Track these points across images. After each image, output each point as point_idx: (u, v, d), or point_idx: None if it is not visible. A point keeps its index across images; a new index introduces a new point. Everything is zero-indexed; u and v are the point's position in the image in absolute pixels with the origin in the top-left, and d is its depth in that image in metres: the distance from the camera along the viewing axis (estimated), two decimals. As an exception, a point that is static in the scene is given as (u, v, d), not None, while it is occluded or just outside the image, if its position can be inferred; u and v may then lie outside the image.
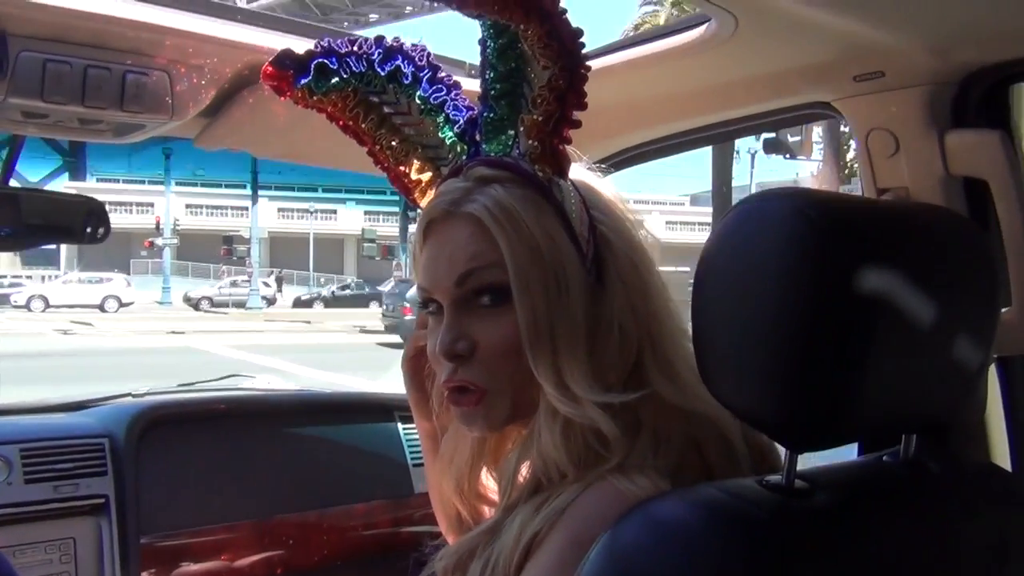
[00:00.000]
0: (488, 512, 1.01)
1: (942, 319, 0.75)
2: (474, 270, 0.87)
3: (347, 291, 31.78)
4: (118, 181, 37.25)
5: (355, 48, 0.95)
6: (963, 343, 0.79)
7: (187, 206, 38.05)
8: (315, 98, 0.96)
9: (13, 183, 1.35)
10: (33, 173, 30.04)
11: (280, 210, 39.94)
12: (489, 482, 1.04)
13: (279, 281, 33.06)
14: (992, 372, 1.20)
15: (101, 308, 26.32)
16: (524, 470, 0.90)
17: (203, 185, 39.02)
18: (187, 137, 1.42)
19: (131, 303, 27.49)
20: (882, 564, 0.74)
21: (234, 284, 30.84)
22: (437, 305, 0.91)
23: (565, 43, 0.85)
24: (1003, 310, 1.11)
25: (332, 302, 29.86)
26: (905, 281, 0.72)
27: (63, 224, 1.43)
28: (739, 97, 1.28)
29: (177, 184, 34.86)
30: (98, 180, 37.58)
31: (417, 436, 1.98)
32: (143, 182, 36.96)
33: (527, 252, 0.85)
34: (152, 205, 35.87)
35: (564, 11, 0.85)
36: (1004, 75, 1.10)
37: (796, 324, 0.69)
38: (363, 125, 0.99)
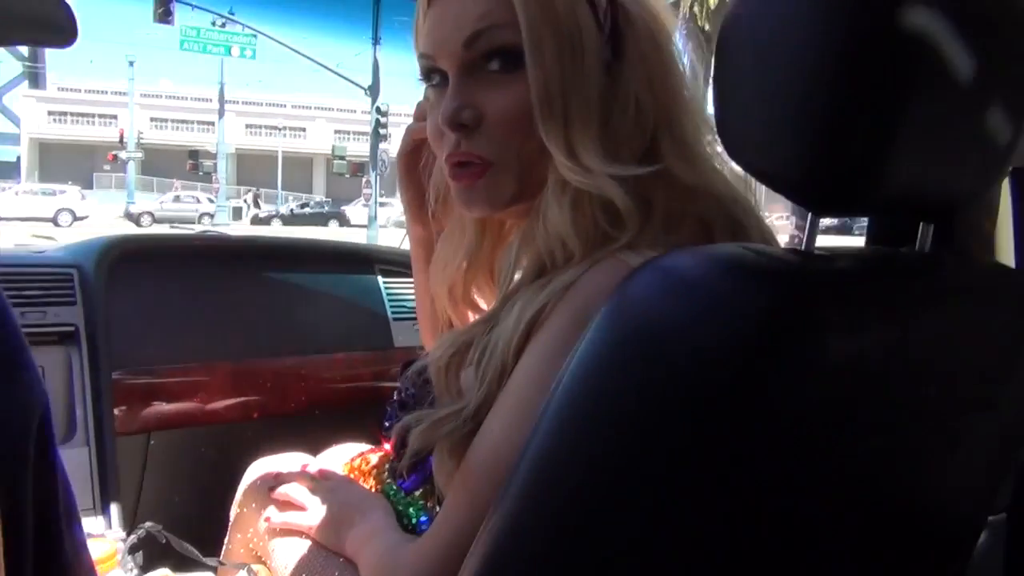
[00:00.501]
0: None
1: (978, 88, 0.69)
2: (484, 30, 0.80)
3: (306, 209, 31.36)
4: (80, 91, 36.26)
5: None
6: (997, 116, 0.73)
7: (152, 119, 37.23)
8: None
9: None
10: (-9, 79, 29.16)
11: (248, 126, 39.22)
12: (485, 295, 1.00)
13: (256, 199, 32.52)
14: (1004, 184, 1.16)
15: (54, 221, 25.49)
16: (525, 260, 0.85)
17: (168, 97, 38.09)
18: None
19: (86, 216, 26.72)
20: (905, 337, 0.71)
21: (177, 200, 30.03)
22: (441, 76, 0.85)
23: None
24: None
25: (290, 220, 29.36)
26: (948, 34, 0.66)
27: (23, 20, 1.32)
28: None
29: (142, 96, 34.02)
30: (59, 89, 36.55)
31: (398, 290, 1.96)
32: (105, 92, 36.02)
33: (541, 12, 0.79)
34: (116, 117, 35.08)
35: None
36: None
37: (827, 65, 0.63)
38: None
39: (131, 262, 1.64)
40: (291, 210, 31.15)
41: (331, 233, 24.89)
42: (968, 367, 0.79)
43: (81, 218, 26.50)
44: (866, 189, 0.68)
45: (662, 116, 0.83)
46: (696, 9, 18.14)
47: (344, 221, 29.55)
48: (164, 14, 10.37)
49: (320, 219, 29.58)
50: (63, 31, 1.22)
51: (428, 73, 0.87)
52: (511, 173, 0.84)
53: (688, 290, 0.64)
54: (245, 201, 31.61)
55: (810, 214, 0.70)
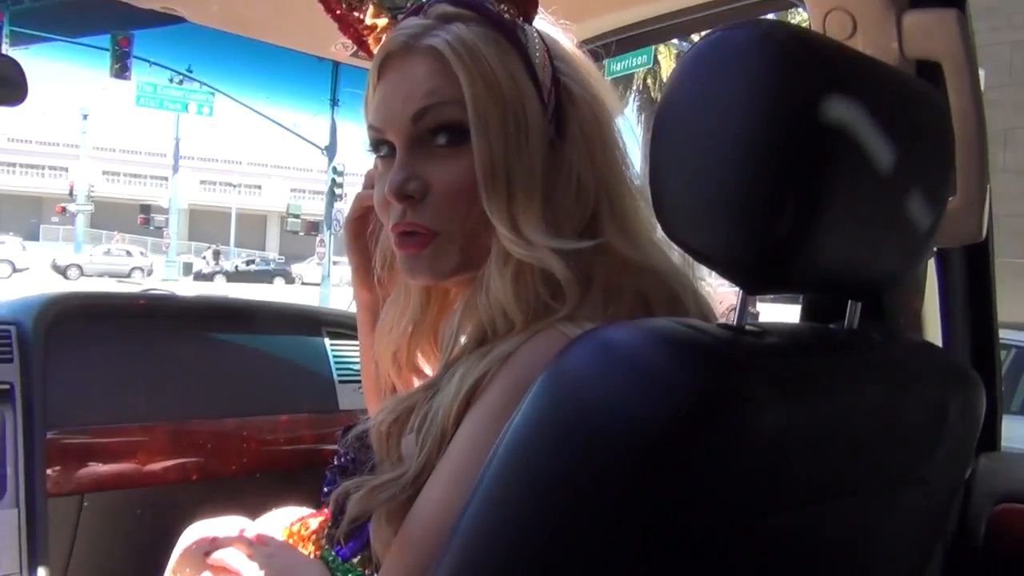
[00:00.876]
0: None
1: (899, 172, 0.74)
2: (431, 106, 0.83)
3: (251, 266, 31.04)
4: (31, 142, 35.79)
5: None
6: (916, 202, 0.78)
7: (104, 172, 36.84)
8: None
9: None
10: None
11: (203, 182, 39.00)
12: (429, 361, 1.00)
13: (216, 255, 32.05)
14: (931, 264, 1.21)
15: None
16: (467, 328, 0.86)
17: (122, 151, 37.77)
18: (116, -3, 1.33)
19: (26, 268, 26.14)
20: (832, 410, 0.73)
21: (107, 253, 29.38)
22: (389, 147, 0.87)
23: None
24: (947, 199, 1.12)
25: (234, 276, 29.02)
26: (869, 122, 0.70)
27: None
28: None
29: (95, 149, 33.69)
30: (9, 139, 36.04)
31: (344, 353, 1.95)
32: (57, 144, 35.61)
33: (488, 90, 0.82)
34: (66, 169, 34.64)
35: None
36: (963, -47, 1.10)
37: (757, 153, 0.66)
38: None
39: (72, 320, 1.61)
40: (235, 267, 30.78)
41: (276, 291, 24.66)
42: (896, 441, 0.81)
43: (21, 270, 25.91)
44: (794, 269, 0.71)
45: (603, 193, 0.86)
46: (649, 81, 18.63)
47: (290, 279, 29.30)
48: (121, 70, 10.35)
49: (265, 276, 29.29)
50: (14, 90, 1.23)
51: (376, 144, 0.89)
52: (455, 244, 0.85)
53: (623, 364, 0.65)
54: (204, 257, 31.17)
55: (741, 292, 0.73)
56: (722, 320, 0.76)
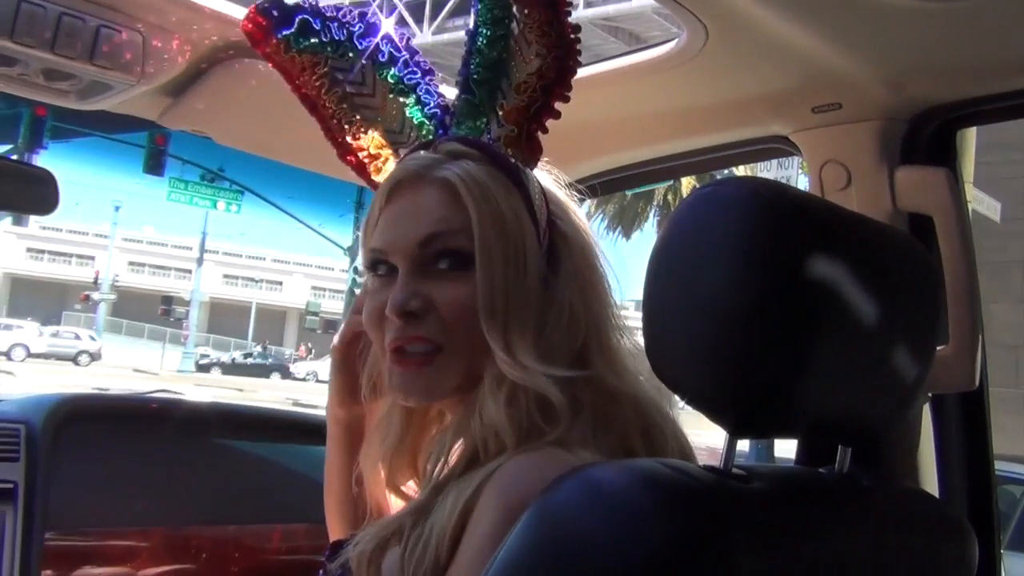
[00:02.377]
0: (395, 508, 0.98)
1: (885, 325, 0.77)
2: (441, 233, 0.87)
3: (249, 359, 30.97)
4: (61, 231, 36.60)
5: (339, 15, 0.97)
6: (902, 354, 0.81)
7: (130, 263, 37.45)
8: (288, 55, 0.97)
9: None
10: (-27, 213, 29.33)
11: (226, 276, 39.50)
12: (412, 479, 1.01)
13: (265, 351, 31.93)
14: (926, 411, 1.22)
15: (7, 356, 24.97)
16: (457, 450, 0.88)
17: (149, 243, 38.50)
18: (149, 118, 1.41)
19: (41, 353, 26.24)
20: (814, 559, 0.74)
21: (55, 335, 28.68)
22: (388, 267, 0.91)
23: (564, 34, 0.90)
24: (938, 348, 1.14)
25: (231, 369, 28.91)
26: (854, 278, 0.74)
27: (12, 194, 1.39)
28: (701, 124, 1.32)
29: (123, 240, 34.36)
30: (42, 228, 36.86)
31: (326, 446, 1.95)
32: (87, 234, 36.37)
33: (494, 223, 0.87)
34: (93, 258, 35.23)
35: (569, 3, 0.90)
36: (952, 116, 1.16)
37: (744, 304, 0.70)
38: (324, 96, 0.99)
39: (81, 421, 1.64)
40: (232, 359, 30.71)
41: (272, 385, 24.53)
42: (884, 592, 0.81)
43: (35, 355, 26.02)
44: (779, 415, 0.73)
45: (591, 326, 0.90)
46: (670, 197, 18.88)
47: (287, 374, 29.16)
48: (155, 166, 10.66)
49: (262, 371, 29.18)
50: (47, 204, 1.30)
51: (375, 264, 0.92)
52: (458, 363, 0.88)
53: (608, 504, 0.68)
54: (247, 354, 31.18)
55: (727, 435, 0.74)
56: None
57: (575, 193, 0.98)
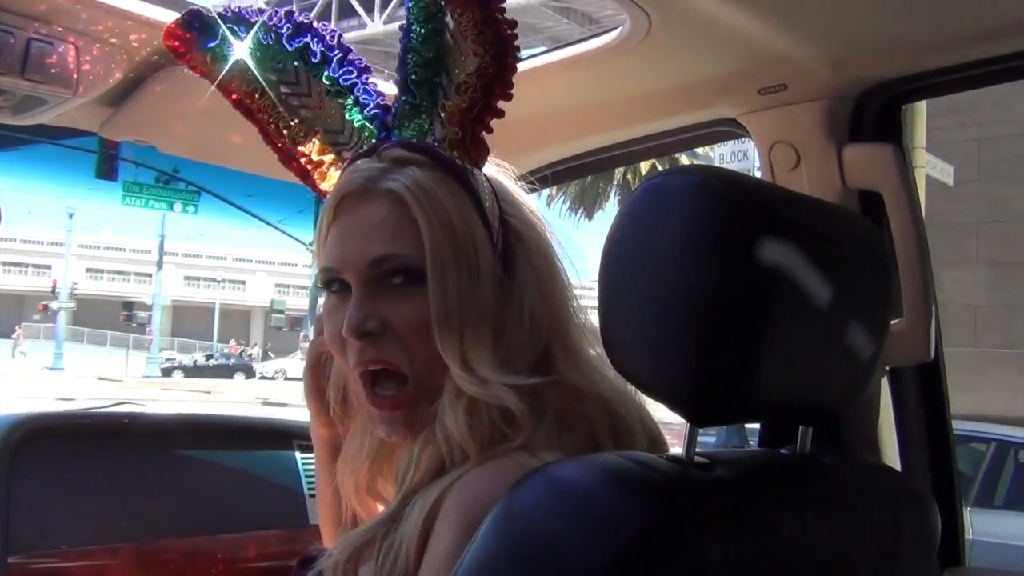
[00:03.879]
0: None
1: (838, 305, 0.77)
2: (390, 255, 0.85)
3: (211, 361, 30.74)
4: (15, 240, 35.90)
5: (265, 19, 0.95)
6: (857, 332, 0.81)
7: (88, 270, 36.87)
8: (215, 67, 0.95)
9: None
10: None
11: (187, 278, 39.04)
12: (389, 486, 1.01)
13: (208, 357, 31.49)
14: (884, 385, 1.24)
15: None
16: (424, 460, 0.87)
17: (107, 248, 37.91)
18: (90, 130, 1.38)
19: None
20: (780, 540, 0.75)
21: None
22: (341, 284, 0.89)
23: (500, 31, 0.87)
24: (893, 321, 1.15)
25: (193, 371, 28.71)
26: (805, 261, 0.74)
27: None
28: (648, 111, 1.31)
29: (80, 247, 33.80)
30: (-7, 238, 36.17)
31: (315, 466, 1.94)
32: (41, 243, 35.73)
33: (444, 233, 0.85)
34: (50, 267, 34.66)
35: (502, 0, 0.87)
36: (897, 92, 1.17)
37: (698, 294, 0.70)
38: (258, 102, 0.97)
39: (38, 441, 1.61)
40: (194, 361, 30.43)
41: (238, 385, 24.32)
42: (850, 568, 0.82)
43: None
44: (738, 401, 0.73)
45: (553, 325, 0.89)
46: (629, 176, 18.98)
47: (250, 373, 28.93)
48: (108, 171, 10.42)
49: (225, 371, 28.98)
50: (-13, 221, 1.26)
51: (328, 282, 0.90)
52: (427, 393, 0.86)
53: (570, 502, 0.68)
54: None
55: (688, 424, 0.75)
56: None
57: (527, 185, 0.97)
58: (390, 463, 1.00)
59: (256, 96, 0.97)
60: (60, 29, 1.12)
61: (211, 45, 0.93)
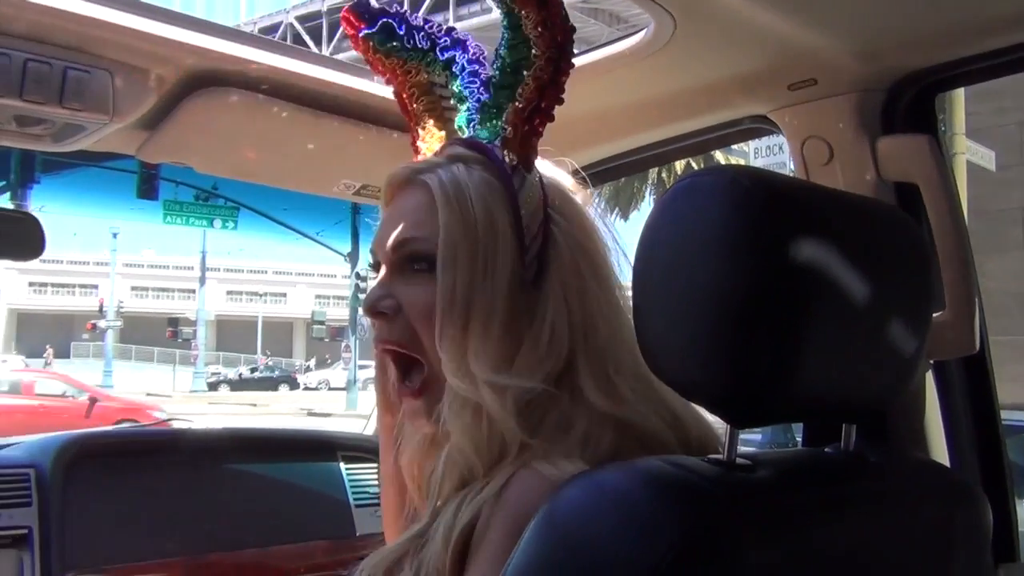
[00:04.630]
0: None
1: (877, 301, 0.76)
2: (412, 237, 0.88)
3: (255, 374, 31.08)
4: (62, 262, 36.65)
5: (425, 26, 0.99)
6: (898, 327, 0.80)
7: (133, 288, 37.51)
8: (377, 55, 0.99)
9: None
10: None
11: (229, 293, 39.55)
12: None
13: (253, 370, 31.84)
14: (929, 378, 1.22)
15: None
16: (449, 467, 0.87)
17: (150, 267, 38.55)
18: (128, 153, 1.40)
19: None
20: (825, 541, 0.74)
21: None
22: (380, 266, 0.93)
23: (556, 34, 0.88)
24: (936, 314, 1.13)
25: (239, 385, 29.01)
26: (840, 257, 0.73)
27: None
28: (678, 111, 1.31)
29: (124, 266, 34.40)
30: (41, 260, 36.89)
31: (360, 477, 1.96)
32: (87, 263, 36.44)
33: (462, 226, 0.86)
34: (96, 287, 35.31)
35: (560, 3, 0.88)
36: (930, 81, 1.15)
37: (733, 294, 0.69)
38: (414, 106, 1.01)
39: (90, 459, 1.64)
40: (239, 374, 30.78)
41: (282, 397, 24.46)
42: (901, 569, 0.81)
43: None
44: (779, 401, 0.73)
45: (578, 344, 0.87)
46: (664, 175, 18.86)
47: (294, 385, 29.19)
48: (148, 191, 10.64)
49: (269, 383, 29.30)
50: (31, 249, 1.30)
51: (375, 264, 0.94)
52: (440, 386, 0.87)
53: (612, 506, 0.68)
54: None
55: (729, 426, 0.74)
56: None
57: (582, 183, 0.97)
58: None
59: (413, 99, 1.01)
60: (94, 56, 1.14)
61: (369, 32, 0.97)
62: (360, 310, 1.06)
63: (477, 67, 0.99)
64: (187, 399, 25.69)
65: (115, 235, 30.19)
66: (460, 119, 0.99)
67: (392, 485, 1.06)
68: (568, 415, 0.84)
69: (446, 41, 0.99)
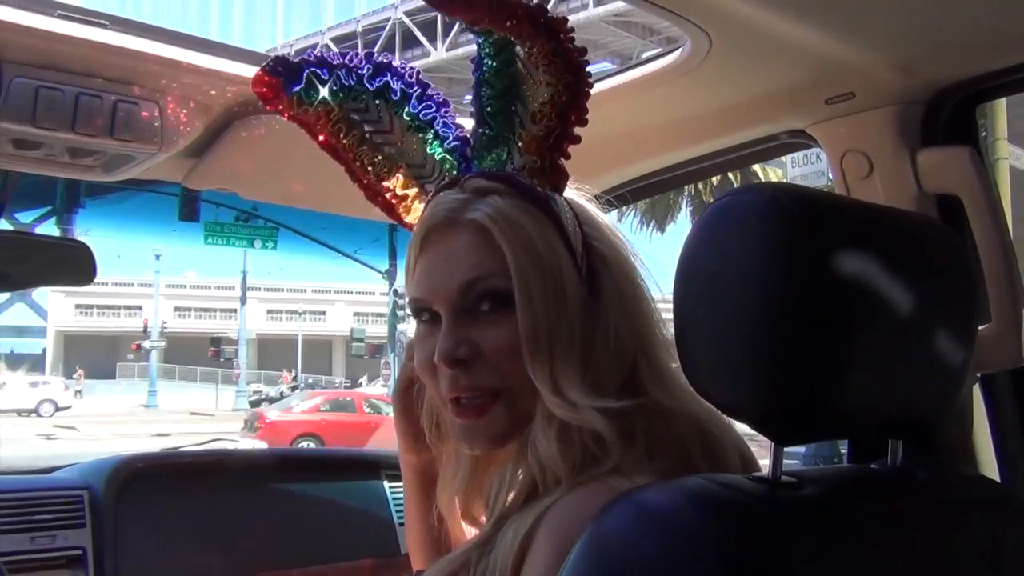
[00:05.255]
0: None
1: (921, 315, 0.76)
2: (479, 278, 0.87)
3: (296, 391, 31.34)
4: (107, 284, 37.33)
5: (346, 61, 0.97)
6: (942, 341, 0.80)
7: (176, 308, 38.06)
8: (301, 109, 0.97)
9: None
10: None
11: (269, 312, 39.98)
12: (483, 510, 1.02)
13: (293, 387, 32.23)
14: (977, 391, 1.20)
15: (36, 412, 25.08)
16: (516, 484, 0.89)
17: (192, 287, 39.12)
18: (175, 181, 1.44)
19: (68, 407, 26.21)
20: (873, 559, 0.73)
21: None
22: (431, 314, 0.91)
23: (571, 61, 0.88)
24: (981, 327, 1.12)
25: (279, 402, 29.38)
26: (882, 272, 0.73)
27: (49, 268, 1.43)
28: (715, 127, 1.31)
29: (167, 287, 34.95)
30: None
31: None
32: (132, 284, 37.07)
33: (529, 259, 0.86)
34: (140, 308, 35.87)
35: (571, 29, 0.88)
36: (970, 92, 1.14)
37: (775, 313, 0.70)
38: (344, 141, 1.00)
39: (141, 481, 1.67)
40: (280, 392, 31.04)
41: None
42: (951, 586, 0.80)
43: (63, 408, 26.07)
44: (824, 417, 0.73)
45: (639, 346, 0.89)
46: (700, 186, 18.76)
47: None
48: (190, 213, 10.83)
49: None
50: (84, 276, 1.33)
51: (419, 312, 0.92)
52: (513, 407, 0.88)
53: (657, 525, 0.68)
54: (281, 392, 31.72)
55: (773, 444, 0.74)
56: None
57: (605, 204, 0.98)
58: (483, 486, 1.01)
59: (341, 135, 0.99)
60: (143, 88, 1.18)
61: (296, 89, 0.95)
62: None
63: (422, 89, 0.99)
64: (231, 417, 25.95)
65: (158, 257, 30.70)
66: (434, 148, 0.99)
67: (417, 521, 1.08)
68: (637, 422, 0.85)
69: (369, 69, 0.98)
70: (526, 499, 0.86)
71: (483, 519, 1.00)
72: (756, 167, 13.37)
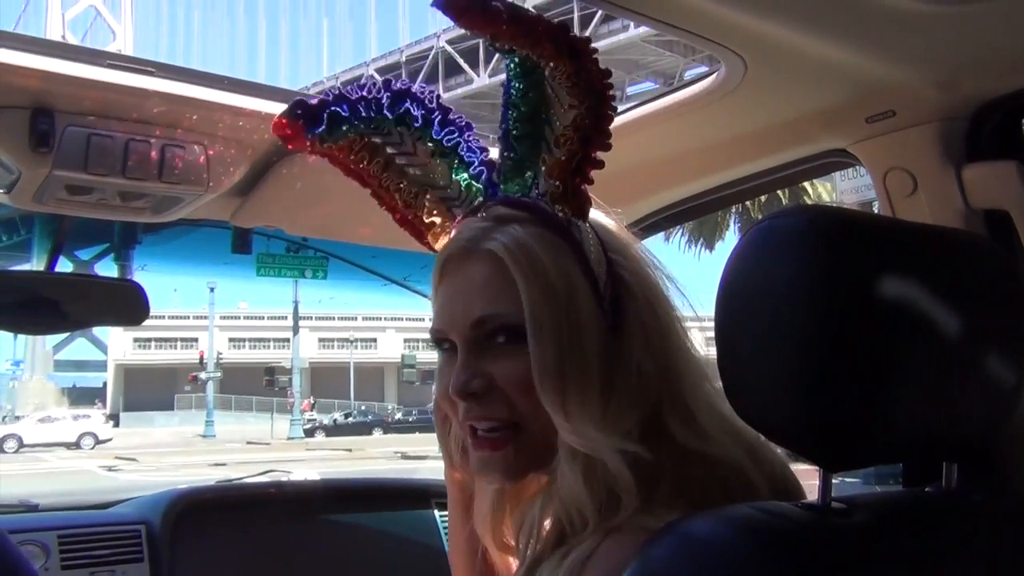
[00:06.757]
0: (514, 565, 0.98)
1: (970, 334, 0.74)
2: (491, 315, 0.86)
3: (349, 419, 31.61)
4: (164, 318, 38.10)
5: (365, 94, 0.96)
6: (995, 362, 0.78)
7: (230, 340, 38.66)
8: (324, 146, 0.97)
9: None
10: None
11: (321, 340, 40.39)
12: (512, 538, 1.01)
13: (347, 415, 32.59)
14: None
15: (77, 445, 25.42)
16: (546, 521, 0.87)
17: (246, 318, 39.74)
18: (223, 219, 1.47)
19: (109, 439, 26.48)
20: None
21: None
22: (450, 344, 0.90)
23: (594, 83, 0.86)
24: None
25: (334, 431, 29.54)
26: (929, 292, 0.72)
27: (105, 307, 1.47)
28: (755, 149, 1.30)
29: (221, 318, 35.54)
30: (145, 317, 38.32)
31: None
32: (188, 317, 37.80)
33: (542, 292, 0.85)
34: (196, 340, 36.52)
35: (594, 51, 0.87)
36: (1014, 106, 1.12)
37: (819, 337, 0.69)
38: (368, 167, 0.99)
39: (196, 515, 1.70)
40: (334, 420, 31.31)
41: (376, 441, 24.84)
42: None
43: (103, 441, 26.33)
44: (873, 442, 0.71)
45: (663, 382, 0.86)
46: (749, 203, 18.57)
47: (388, 428, 29.61)
48: (242, 245, 10.98)
49: (363, 428, 29.78)
50: (137, 314, 1.37)
51: (439, 341, 0.92)
52: (531, 440, 0.87)
53: (705, 558, 0.67)
54: (335, 420, 32.08)
55: (822, 471, 0.73)
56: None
57: (638, 233, 0.96)
58: (513, 518, 1.00)
59: (364, 162, 0.98)
60: (190, 132, 1.21)
61: (319, 131, 0.94)
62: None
63: (443, 114, 0.97)
64: (286, 447, 26.21)
65: (212, 289, 31.24)
66: (459, 173, 0.97)
67: (460, 538, 1.07)
68: (660, 462, 0.83)
69: (388, 98, 0.96)
70: (556, 543, 0.84)
71: (516, 547, 0.99)
72: (804, 182, 13.20)
